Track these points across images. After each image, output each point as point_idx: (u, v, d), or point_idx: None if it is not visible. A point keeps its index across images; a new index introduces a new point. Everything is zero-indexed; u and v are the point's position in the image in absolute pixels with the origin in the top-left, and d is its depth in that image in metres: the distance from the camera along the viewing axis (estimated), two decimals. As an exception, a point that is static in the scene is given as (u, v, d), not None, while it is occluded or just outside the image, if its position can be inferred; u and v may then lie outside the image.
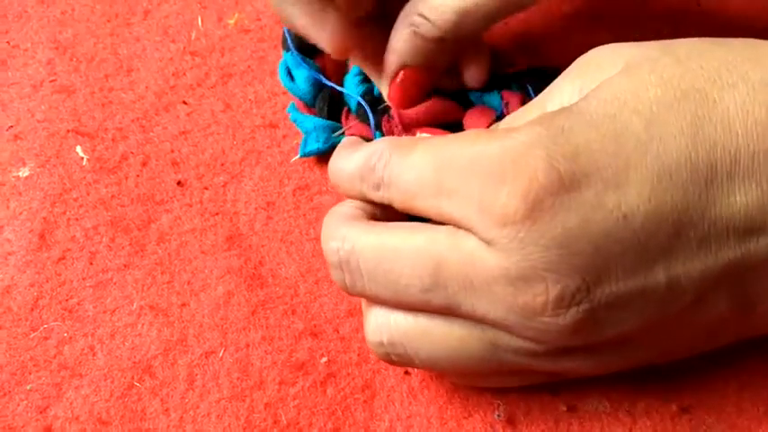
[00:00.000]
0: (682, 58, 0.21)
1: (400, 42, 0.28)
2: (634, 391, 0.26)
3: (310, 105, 0.31)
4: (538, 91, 0.25)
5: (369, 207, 0.24)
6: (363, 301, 0.24)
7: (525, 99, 0.29)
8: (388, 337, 0.23)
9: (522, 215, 0.19)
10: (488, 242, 0.20)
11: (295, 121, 0.31)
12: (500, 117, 0.29)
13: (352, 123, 0.30)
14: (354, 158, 0.24)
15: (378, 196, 0.23)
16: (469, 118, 0.30)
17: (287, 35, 0.31)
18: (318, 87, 0.30)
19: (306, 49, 0.31)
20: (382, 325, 0.23)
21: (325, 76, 0.30)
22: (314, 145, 0.30)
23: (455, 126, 0.29)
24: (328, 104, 0.30)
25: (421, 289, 0.21)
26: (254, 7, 0.35)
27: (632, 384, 0.26)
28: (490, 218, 0.20)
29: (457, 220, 0.21)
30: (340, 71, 0.31)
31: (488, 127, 0.28)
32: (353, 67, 0.30)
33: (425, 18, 0.27)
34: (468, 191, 0.20)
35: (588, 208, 0.19)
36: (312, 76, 0.30)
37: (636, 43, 0.23)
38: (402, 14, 0.28)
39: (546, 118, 0.21)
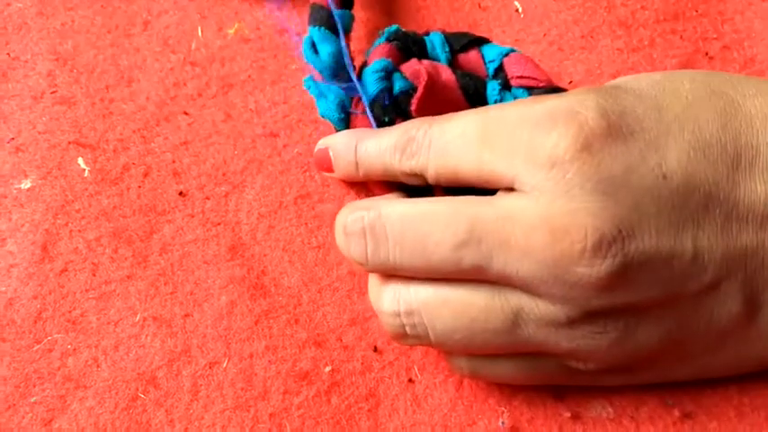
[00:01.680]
0: (707, 74, 0.24)
1: None
2: (637, 397, 0.26)
3: (329, 80, 0.30)
4: None
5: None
6: (376, 277, 0.24)
7: None
8: (406, 307, 0.23)
9: (572, 156, 0.20)
10: (532, 188, 0.21)
11: (309, 87, 0.30)
12: None
13: (359, 111, 0.29)
14: (390, 133, 0.25)
15: (413, 166, 0.24)
16: None
17: (314, 10, 0.31)
18: (341, 65, 0.30)
19: (332, 27, 0.31)
20: (401, 295, 0.23)
21: (348, 55, 0.30)
22: (330, 108, 0.29)
23: None
24: (347, 85, 0.30)
25: (453, 246, 0.21)
26: (254, 17, 0.36)
27: (635, 390, 0.26)
28: (538, 161, 0.21)
29: (499, 172, 0.21)
30: (362, 53, 0.32)
31: None
32: (375, 62, 0.29)
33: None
34: (514, 139, 0.21)
35: (632, 160, 0.21)
36: (336, 51, 0.30)
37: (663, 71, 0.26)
38: None
39: (591, 87, 0.23)
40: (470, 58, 0.30)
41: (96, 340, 0.27)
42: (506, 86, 0.29)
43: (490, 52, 0.30)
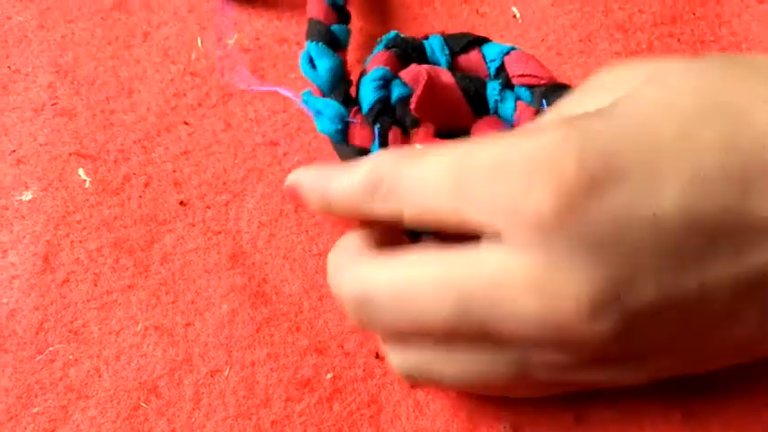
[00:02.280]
0: (707, 71, 0.21)
1: None
2: (641, 399, 0.26)
3: (327, 95, 0.30)
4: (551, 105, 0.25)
5: (372, 233, 0.24)
6: (379, 338, 0.24)
7: (539, 114, 0.28)
8: (413, 369, 0.23)
9: (556, 217, 0.19)
10: (519, 245, 0.19)
11: (307, 103, 0.30)
12: (510, 128, 0.29)
13: (358, 120, 0.29)
14: (357, 171, 0.23)
15: (386, 209, 0.22)
16: (479, 127, 0.29)
17: (312, 25, 0.31)
18: (338, 79, 0.30)
19: (330, 42, 0.31)
20: (405, 358, 0.23)
21: (345, 71, 0.30)
22: (327, 124, 0.29)
23: (462, 133, 0.29)
24: (344, 98, 0.29)
25: (445, 319, 0.20)
26: (253, 27, 0.36)
27: (639, 393, 0.26)
28: (521, 220, 0.19)
29: (482, 225, 0.20)
30: (360, 69, 0.32)
31: None
32: (372, 71, 0.29)
33: None
34: (493, 194, 0.20)
35: (620, 210, 0.19)
36: (334, 67, 0.30)
37: (655, 58, 0.22)
38: None
39: (572, 119, 0.20)
40: (471, 58, 0.30)
41: (98, 350, 0.27)
42: (508, 85, 0.29)
43: (491, 51, 0.30)
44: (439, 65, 0.30)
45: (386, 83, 0.29)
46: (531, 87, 0.28)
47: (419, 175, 0.21)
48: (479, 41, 0.30)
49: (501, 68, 0.29)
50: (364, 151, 0.28)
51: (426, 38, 0.31)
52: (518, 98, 0.29)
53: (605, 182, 0.19)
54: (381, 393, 0.27)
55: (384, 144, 0.28)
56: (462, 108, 0.29)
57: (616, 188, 0.19)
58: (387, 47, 0.30)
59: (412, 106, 0.28)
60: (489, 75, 0.30)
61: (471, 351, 0.21)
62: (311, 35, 0.31)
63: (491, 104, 0.29)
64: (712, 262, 0.19)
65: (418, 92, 0.28)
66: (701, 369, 0.23)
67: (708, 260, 0.19)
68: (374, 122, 0.28)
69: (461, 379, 0.22)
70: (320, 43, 0.30)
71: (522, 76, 0.29)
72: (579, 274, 0.19)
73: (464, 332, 0.21)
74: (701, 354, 0.22)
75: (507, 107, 0.29)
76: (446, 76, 0.29)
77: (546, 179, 0.19)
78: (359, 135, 0.29)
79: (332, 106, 0.29)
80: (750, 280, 0.20)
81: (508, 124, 0.29)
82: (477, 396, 0.26)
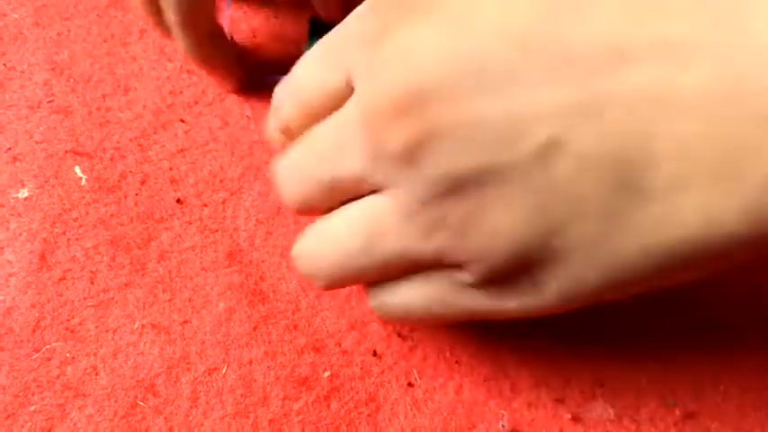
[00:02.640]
0: None
1: None
2: (638, 397, 0.26)
3: None
4: None
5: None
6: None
7: None
8: (391, 307, 0.24)
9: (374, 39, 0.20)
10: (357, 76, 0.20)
11: None
12: None
13: None
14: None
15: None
16: None
17: (314, 24, 0.31)
18: None
19: None
20: (380, 299, 0.24)
21: None
22: None
23: None
24: None
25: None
26: (249, 25, 0.36)
27: (636, 391, 0.26)
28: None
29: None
30: None
31: None
32: None
33: None
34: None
35: (431, 32, 0.19)
36: None
37: None
38: None
39: None
40: None
41: (95, 348, 0.27)
42: None
43: None
44: None
45: None
46: None
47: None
48: None
49: None
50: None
51: None
52: None
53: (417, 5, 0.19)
54: (379, 391, 0.27)
55: None
56: None
57: (424, 24, 0.19)
58: None
59: None
60: None
61: (410, 278, 0.22)
62: (313, 33, 0.31)
63: None
64: (524, 83, 0.17)
65: None
66: (567, 240, 0.19)
67: (519, 80, 0.17)
68: None
69: (419, 306, 0.23)
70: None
71: None
72: (388, 79, 0.19)
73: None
74: (550, 213, 0.18)
75: None
76: None
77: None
78: None
79: None
80: (581, 106, 0.17)
81: None
82: (475, 394, 0.26)
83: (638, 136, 0.17)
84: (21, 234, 0.30)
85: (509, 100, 0.17)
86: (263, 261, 0.29)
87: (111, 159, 0.31)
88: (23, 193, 0.30)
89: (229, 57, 0.33)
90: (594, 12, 0.17)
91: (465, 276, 0.21)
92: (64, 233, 0.30)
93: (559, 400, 0.26)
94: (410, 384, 0.27)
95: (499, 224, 0.19)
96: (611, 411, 0.26)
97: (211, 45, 0.32)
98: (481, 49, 0.18)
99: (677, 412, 0.26)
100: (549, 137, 0.17)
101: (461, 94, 0.18)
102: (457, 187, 0.19)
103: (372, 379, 0.27)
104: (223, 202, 0.31)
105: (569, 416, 0.26)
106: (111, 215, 0.30)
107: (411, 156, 0.19)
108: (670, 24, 0.16)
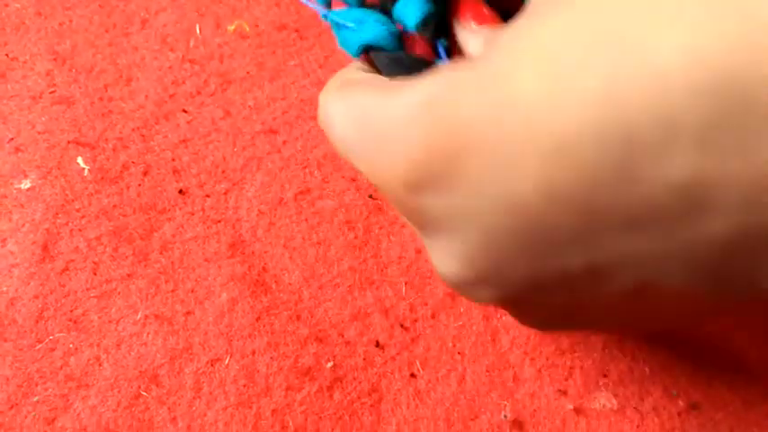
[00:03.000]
0: None
1: None
2: (641, 388, 0.26)
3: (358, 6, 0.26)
4: None
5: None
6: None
7: None
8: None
9: (411, 191, 0.17)
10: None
11: (325, 17, 0.26)
12: None
13: (413, 35, 0.24)
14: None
15: None
16: None
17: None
18: None
19: None
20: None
21: None
22: (377, 28, 0.24)
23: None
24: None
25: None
26: (252, 14, 0.35)
27: (640, 382, 0.26)
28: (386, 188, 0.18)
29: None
30: None
31: None
32: None
33: None
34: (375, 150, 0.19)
35: (472, 192, 0.16)
36: None
37: None
38: None
39: (446, 71, 0.17)
40: None
41: (98, 339, 0.27)
42: None
43: None
44: None
45: None
46: None
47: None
48: None
49: None
50: (426, 63, 0.24)
51: None
52: None
53: (452, 160, 0.16)
54: (382, 382, 0.27)
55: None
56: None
57: (465, 167, 0.16)
58: None
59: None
60: None
61: None
62: None
63: None
64: (599, 238, 0.16)
65: None
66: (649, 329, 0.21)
67: (593, 237, 0.16)
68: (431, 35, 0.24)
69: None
70: None
71: None
72: (448, 256, 0.18)
73: None
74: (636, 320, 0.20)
75: None
76: None
77: (397, 154, 0.17)
78: (419, 46, 0.24)
79: (373, 13, 0.25)
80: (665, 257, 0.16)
81: None
82: (478, 385, 0.26)
83: None
84: (23, 225, 0.30)
85: (584, 256, 0.16)
86: (265, 252, 0.29)
87: (114, 150, 0.31)
88: (26, 184, 0.30)
89: None
90: (664, 154, 0.14)
91: None
92: (66, 224, 0.30)
93: (562, 391, 0.26)
94: (413, 375, 0.27)
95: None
96: (615, 402, 0.26)
97: None
98: (539, 217, 0.16)
99: (681, 403, 0.26)
100: (633, 286, 0.17)
101: (531, 259, 0.17)
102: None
103: (375, 370, 0.27)
104: (225, 193, 0.31)
105: (572, 406, 0.26)
106: (114, 206, 0.30)
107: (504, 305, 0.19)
108: None
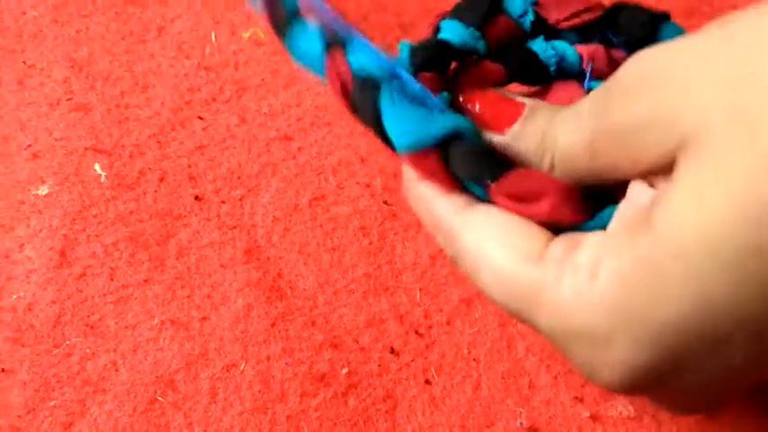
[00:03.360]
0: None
1: None
2: (657, 396, 0.26)
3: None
4: (624, 34, 0.21)
5: None
6: None
7: (609, 51, 0.23)
8: None
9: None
10: None
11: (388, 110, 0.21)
12: (588, 89, 0.23)
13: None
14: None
15: None
16: (554, 97, 0.24)
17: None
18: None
19: None
20: None
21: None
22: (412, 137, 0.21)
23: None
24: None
25: None
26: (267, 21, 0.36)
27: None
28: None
29: None
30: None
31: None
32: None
33: None
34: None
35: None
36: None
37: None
38: None
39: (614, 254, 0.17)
40: (498, 24, 0.24)
41: (115, 344, 0.27)
42: (553, 33, 0.24)
43: (515, 6, 0.24)
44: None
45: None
46: (578, 29, 0.23)
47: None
48: (496, 1, 0.24)
49: (537, 20, 0.24)
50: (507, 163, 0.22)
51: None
52: (573, 43, 0.24)
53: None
54: (397, 388, 0.27)
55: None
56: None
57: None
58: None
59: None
60: (525, 33, 0.24)
61: None
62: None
63: (551, 66, 0.24)
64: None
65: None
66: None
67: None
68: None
69: None
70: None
71: (567, 18, 0.23)
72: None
73: None
74: None
75: (571, 61, 0.24)
76: (493, 70, 0.23)
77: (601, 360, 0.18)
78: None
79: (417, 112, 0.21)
80: None
81: (581, 83, 0.24)
82: (493, 392, 0.26)
83: None
84: (41, 231, 0.30)
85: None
86: (280, 258, 0.29)
87: (130, 156, 0.32)
88: (43, 190, 0.31)
89: None
90: None
91: None
92: (84, 230, 0.30)
93: (578, 398, 0.26)
94: (427, 382, 0.27)
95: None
96: (632, 409, 0.26)
97: None
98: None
99: (698, 411, 0.25)
100: None
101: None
102: None
103: (390, 376, 0.27)
104: (241, 199, 0.31)
105: (588, 414, 0.26)
106: (131, 212, 0.30)
107: None
108: None
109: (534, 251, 0.19)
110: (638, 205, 0.18)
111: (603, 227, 0.19)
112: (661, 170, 0.17)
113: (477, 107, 0.22)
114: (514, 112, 0.21)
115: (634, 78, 0.18)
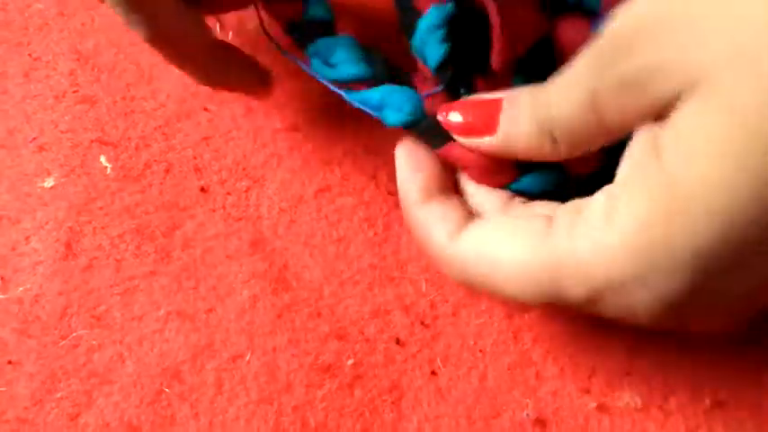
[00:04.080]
0: None
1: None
2: (666, 386, 0.26)
3: (378, 81, 0.25)
4: None
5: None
6: None
7: None
8: None
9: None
10: None
11: (359, 100, 0.25)
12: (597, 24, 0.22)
13: (432, 91, 0.24)
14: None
15: None
16: (563, 32, 0.24)
17: None
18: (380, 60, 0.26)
19: None
20: None
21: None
22: (399, 116, 0.24)
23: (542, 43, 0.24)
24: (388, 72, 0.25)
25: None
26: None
27: (664, 380, 0.26)
28: None
29: None
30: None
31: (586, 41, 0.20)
32: (431, 12, 0.23)
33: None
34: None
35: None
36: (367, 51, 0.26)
37: None
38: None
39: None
40: None
41: (121, 336, 0.27)
42: None
43: None
44: None
45: (451, 27, 0.23)
46: None
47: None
48: None
49: None
50: None
51: None
52: None
53: None
54: (402, 379, 0.26)
55: None
56: (538, 23, 0.23)
57: None
58: None
59: (494, 66, 0.23)
60: None
61: None
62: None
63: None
64: None
65: (497, 46, 0.23)
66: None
67: None
68: (455, 87, 0.24)
69: None
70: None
71: None
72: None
73: None
74: None
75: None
76: None
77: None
78: (440, 103, 0.24)
79: (396, 91, 0.24)
80: None
81: (594, 18, 0.23)
82: (500, 383, 0.26)
83: None
84: (47, 223, 0.30)
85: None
86: (286, 249, 0.29)
87: (136, 148, 0.32)
88: (49, 183, 0.31)
89: (246, 66, 0.29)
90: None
91: None
92: (90, 222, 0.30)
93: (585, 389, 0.26)
94: (433, 373, 0.27)
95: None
96: (639, 400, 0.25)
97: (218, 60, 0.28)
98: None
99: (706, 401, 0.25)
100: None
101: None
102: None
103: (395, 367, 0.27)
104: (246, 191, 0.31)
105: (595, 405, 0.25)
106: (136, 204, 0.30)
107: None
108: None
109: (539, 230, 0.20)
110: (645, 150, 0.18)
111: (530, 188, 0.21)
112: (666, 114, 0.18)
113: (460, 117, 0.23)
114: (494, 109, 0.22)
115: (634, 27, 0.18)
